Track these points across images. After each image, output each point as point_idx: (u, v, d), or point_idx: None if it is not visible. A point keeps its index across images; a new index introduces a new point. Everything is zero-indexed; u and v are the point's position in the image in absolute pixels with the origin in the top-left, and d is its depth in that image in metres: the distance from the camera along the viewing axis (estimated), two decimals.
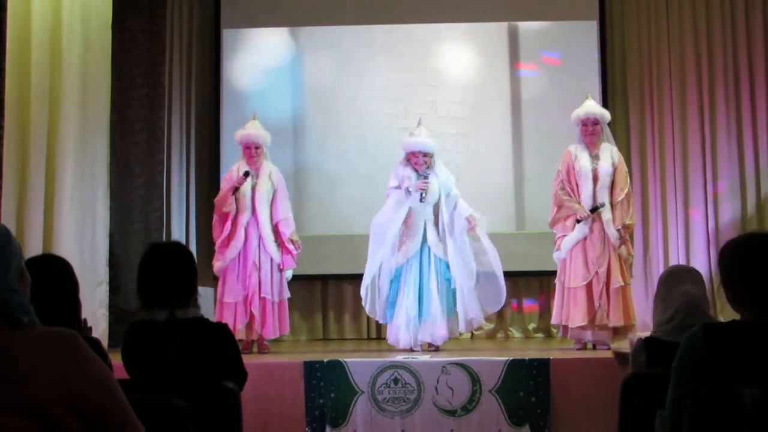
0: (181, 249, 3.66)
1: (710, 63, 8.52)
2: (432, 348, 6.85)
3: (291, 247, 7.09)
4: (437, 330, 6.81)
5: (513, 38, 8.76)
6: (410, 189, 6.89)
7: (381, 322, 7.16)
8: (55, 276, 3.21)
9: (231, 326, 6.71)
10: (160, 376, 3.37)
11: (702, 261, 8.05)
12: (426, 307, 6.81)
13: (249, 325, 6.96)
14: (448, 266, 6.87)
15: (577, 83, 8.45)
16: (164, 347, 3.42)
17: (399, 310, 6.85)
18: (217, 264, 7.03)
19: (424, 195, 6.87)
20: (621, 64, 8.79)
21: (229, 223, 7.02)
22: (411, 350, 6.77)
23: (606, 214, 6.74)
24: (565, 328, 6.90)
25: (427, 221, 6.93)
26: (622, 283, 6.72)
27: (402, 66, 8.75)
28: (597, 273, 6.71)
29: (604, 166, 6.82)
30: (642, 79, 8.68)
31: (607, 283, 6.71)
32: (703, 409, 2.39)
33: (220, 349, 3.53)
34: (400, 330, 6.83)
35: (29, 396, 1.78)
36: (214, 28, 8.85)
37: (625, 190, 6.81)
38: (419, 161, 6.95)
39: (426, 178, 6.93)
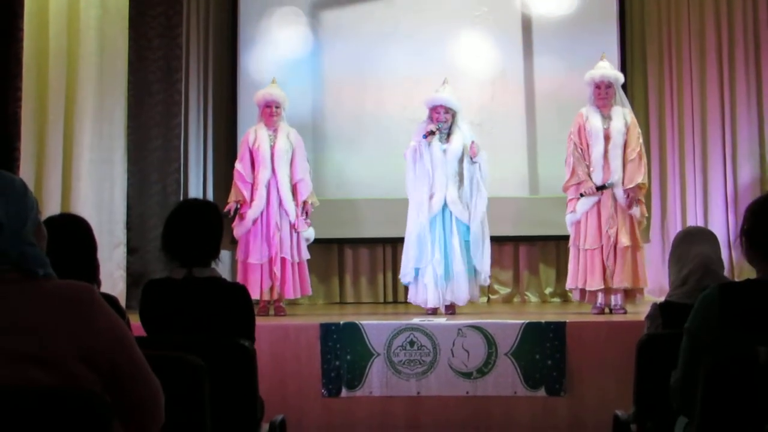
0: (212, 208, 3.67)
1: (730, 23, 8.41)
2: (449, 311, 6.86)
3: (303, 209, 7.13)
4: (461, 291, 6.80)
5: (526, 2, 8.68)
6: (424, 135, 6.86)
7: (406, 281, 7.06)
8: (73, 234, 3.22)
9: (257, 287, 6.80)
10: (176, 334, 3.39)
11: (720, 225, 8.00)
12: (450, 267, 6.80)
13: (272, 286, 7.01)
14: (467, 228, 6.86)
15: (596, 45, 8.37)
16: (180, 305, 3.44)
17: (425, 269, 6.83)
18: (240, 225, 7.04)
19: (428, 135, 6.81)
20: (640, 26, 8.70)
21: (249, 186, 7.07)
22: (435, 311, 6.79)
23: (615, 174, 6.71)
24: (582, 291, 6.89)
25: (449, 179, 6.85)
26: (628, 244, 6.68)
27: (418, 35, 8.67)
28: (608, 233, 6.70)
29: (617, 125, 6.77)
30: (661, 41, 8.59)
31: (615, 244, 6.70)
32: (718, 368, 2.39)
33: (235, 310, 3.53)
34: (428, 289, 6.81)
35: (43, 346, 1.80)
36: None
37: (637, 150, 6.75)
38: (441, 117, 6.90)
39: (448, 134, 6.90)
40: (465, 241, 6.84)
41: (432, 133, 6.84)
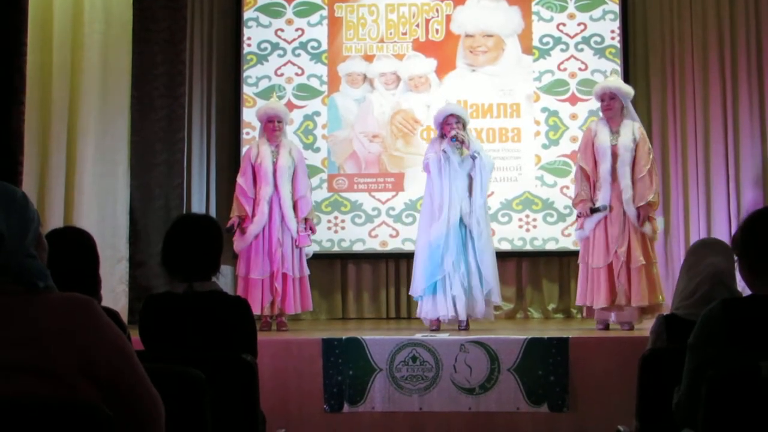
0: (211, 222, 3.66)
1: (732, 37, 8.43)
2: (463, 327, 6.75)
3: (305, 226, 7.13)
4: (478, 304, 6.69)
5: (528, 21, 8.69)
6: (446, 149, 6.77)
7: (417, 296, 6.93)
8: (76, 248, 3.21)
9: (258, 303, 6.78)
10: (177, 348, 3.38)
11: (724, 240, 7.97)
12: (468, 281, 6.70)
13: (273, 301, 7.00)
14: (479, 242, 6.75)
15: (598, 64, 8.42)
16: (181, 319, 3.43)
17: (446, 282, 6.68)
18: (241, 240, 7.04)
19: (457, 139, 6.71)
20: (643, 44, 8.71)
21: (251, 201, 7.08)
22: (458, 326, 6.69)
23: (626, 192, 6.65)
24: (590, 309, 6.81)
25: (465, 191, 6.76)
26: (643, 262, 6.58)
27: (425, 44, 8.72)
28: (616, 253, 6.62)
29: (624, 141, 6.70)
30: (664, 59, 8.59)
31: (628, 263, 6.62)
32: (721, 382, 2.37)
33: (237, 323, 3.51)
34: (457, 301, 6.65)
35: (43, 358, 1.79)
36: (235, 4, 8.85)
37: (647, 167, 6.66)
38: (454, 127, 6.78)
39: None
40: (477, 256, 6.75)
41: (456, 137, 6.72)
